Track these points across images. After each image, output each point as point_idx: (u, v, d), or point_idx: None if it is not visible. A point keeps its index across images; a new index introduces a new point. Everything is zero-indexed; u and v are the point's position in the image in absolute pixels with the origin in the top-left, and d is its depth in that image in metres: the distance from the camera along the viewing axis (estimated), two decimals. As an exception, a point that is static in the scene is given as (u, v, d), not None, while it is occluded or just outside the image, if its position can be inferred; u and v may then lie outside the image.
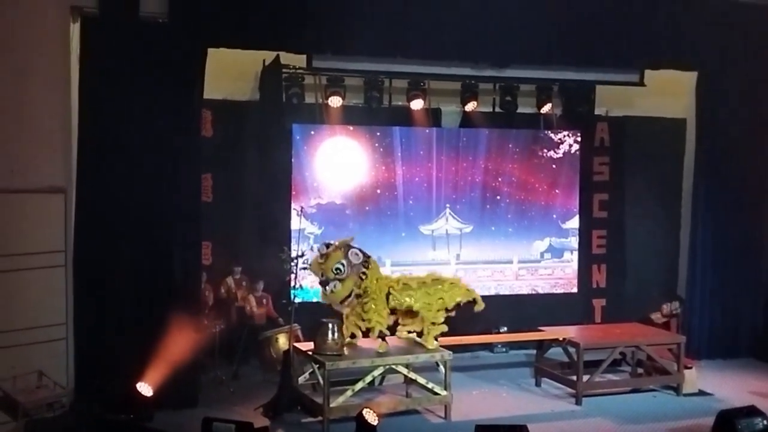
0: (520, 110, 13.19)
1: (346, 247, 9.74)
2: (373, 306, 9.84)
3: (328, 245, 9.85)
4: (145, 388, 9.54)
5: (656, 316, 12.31)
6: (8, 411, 8.95)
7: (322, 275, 9.70)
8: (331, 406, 9.44)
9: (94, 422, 8.94)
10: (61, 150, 9.88)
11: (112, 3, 9.94)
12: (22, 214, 9.46)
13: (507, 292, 13.48)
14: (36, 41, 9.59)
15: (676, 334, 11.96)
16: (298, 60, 11.79)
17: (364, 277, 9.71)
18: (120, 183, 10.00)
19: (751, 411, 8.27)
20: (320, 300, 9.95)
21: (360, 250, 9.80)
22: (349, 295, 9.71)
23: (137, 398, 9.46)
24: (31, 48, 9.55)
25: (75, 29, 10.02)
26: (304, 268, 10.35)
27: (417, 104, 12.67)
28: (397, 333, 10.39)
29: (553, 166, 13.62)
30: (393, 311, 10.07)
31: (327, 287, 9.64)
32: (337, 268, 9.57)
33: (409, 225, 13.04)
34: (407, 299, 10.00)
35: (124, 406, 9.44)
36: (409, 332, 10.37)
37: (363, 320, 9.97)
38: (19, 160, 9.47)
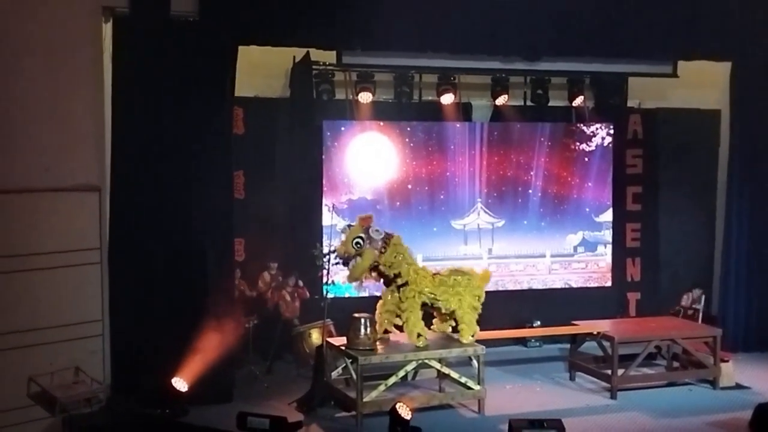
0: (551, 103, 13.13)
1: (366, 223, 9.78)
2: (410, 316, 9.83)
3: (350, 226, 9.91)
4: (180, 384, 9.62)
5: (678, 308, 12.26)
6: (46, 406, 9.05)
7: (345, 254, 9.75)
8: (364, 400, 9.46)
9: (130, 417, 9.04)
10: (95, 148, 9.98)
11: (143, 2, 10.03)
12: (57, 212, 9.56)
13: (540, 287, 13.41)
14: (68, 42, 9.69)
15: (701, 323, 11.92)
16: (328, 56, 11.83)
17: (383, 251, 9.71)
18: (153, 181, 10.09)
19: (790, 404, 8.15)
20: (349, 286, 9.92)
21: (378, 229, 9.83)
22: (373, 268, 9.78)
23: (172, 393, 9.55)
24: (63, 48, 9.65)
25: (107, 29, 10.12)
26: (337, 264, 10.38)
27: (447, 99, 12.64)
28: (432, 327, 10.37)
29: (586, 159, 13.52)
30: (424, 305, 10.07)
31: (349, 264, 9.71)
32: (356, 242, 9.61)
33: (441, 220, 13.02)
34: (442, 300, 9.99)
35: (160, 402, 9.55)
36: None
37: (397, 316, 9.98)
38: (54, 159, 9.57)
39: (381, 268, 9.84)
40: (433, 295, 9.94)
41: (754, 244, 12.89)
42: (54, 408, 8.96)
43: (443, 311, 10.09)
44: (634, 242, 13.81)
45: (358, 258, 9.65)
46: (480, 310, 10.13)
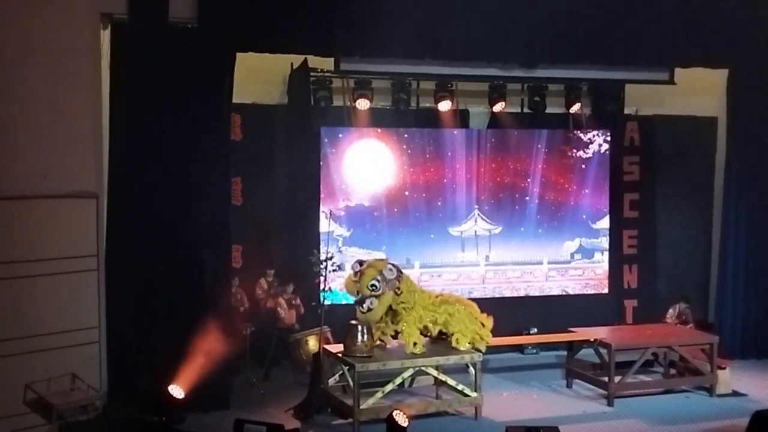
0: (548, 110, 13.15)
1: (380, 265, 9.81)
2: (405, 327, 9.89)
3: (361, 263, 9.94)
4: (177, 391, 9.58)
5: (668, 321, 12.32)
6: (43, 413, 9.01)
7: (357, 293, 9.80)
8: (361, 407, 9.46)
9: (127, 424, 9.01)
10: (92, 155, 9.99)
11: (141, 9, 10.05)
12: (54, 219, 9.56)
13: (537, 293, 13.42)
14: (67, 48, 9.70)
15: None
16: (326, 63, 11.83)
17: (399, 292, 9.78)
18: (150, 187, 10.10)
19: (787, 411, 8.16)
20: (356, 317, 9.93)
21: (393, 266, 9.90)
22: (387, 313, 9.83)
23: (169, 400, 9.51)
24: (62, 55, 9.66)
25: (105, 35, 10.14)
26: (334, 271, 10.39)
27: (445, 106, 12.66)
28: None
29: (583, 166, 13.54)
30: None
31: (363, 305, 9.73)
32: (372, 285, 9.66)
33: (438, 226, 13.02)
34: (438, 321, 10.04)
35: (157, 409, 9.50)
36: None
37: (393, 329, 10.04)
38: (52, 166, 9.57)
39: (394, 306, 9.90)
40: (431, 318, 10.01)
41: (751, 251, 12.91)
42: (51, 415, 8.91)
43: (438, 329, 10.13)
44: (631, 249, 13.82)
45: (374, 300, 9.71)
46: (484, 338, 10.17)
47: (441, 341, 10.30)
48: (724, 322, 12.80)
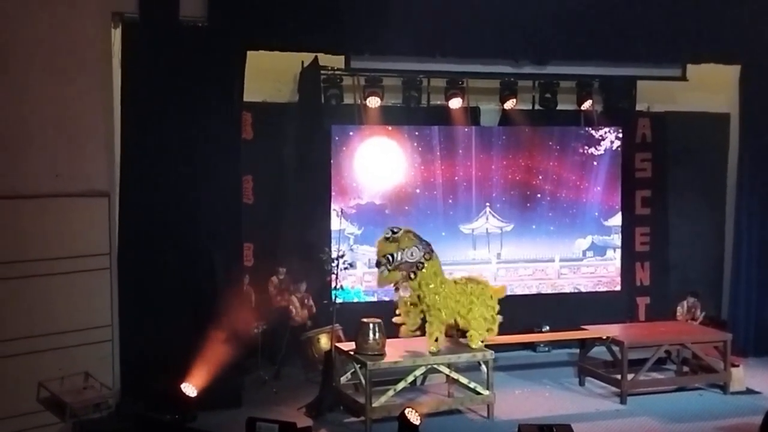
0: (560, 107, 13.14)
1: (408, 244, 9.73)
2: (435, 321, 9.83)
3: (395, 231, 9.81)
4: (189, 389, 9.62)
5: (678, 318, 12.29)
6: (56, 411, 9.06)
7: (377, 257, 9.82)
8: (373, 405, 9.45)
9: (140, 422, 9.03)
10: (104, 154, 10.02)
11: (152, 8, 10.05)
12: (66, 217, 9.59)
13: (549, 291, 13.39)
14: (78, 47, 9.73)
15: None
16: (337, 61, 11.83)
17: (413, 277, 9.71)
18: (162, 186, 10.12)
19: (801, 409, 8.12)
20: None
21: (421, 250, 9.75)
22: (396, 284, 9.79)
23: (182, 399, 9.54)
24: (73, 54, 9.68)
25: (116, 34, 10.15)
26: (345, 269, 10.38)
27: (455, 103, 12.64)
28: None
29: (595, 163, 13.49)
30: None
31: (379, 268, 9.76)
32: (387, 257, 9.63)
33: (449, 224, 13.00)
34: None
35: (169, 407, 9.52)
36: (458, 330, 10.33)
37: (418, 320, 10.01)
38: (63, 165, 9.60)
39: (405, 284, 9.86)
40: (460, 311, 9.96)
41: (764, 247, 12.85)
42: (64, 413, 8.97)
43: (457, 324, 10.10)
44: (643, 246, 13.76)
45: (386, 270, 9.69)
46: (494, 325, 10.10)
47: (452, 338, 10.28)
48: (737, 319, 12.73)
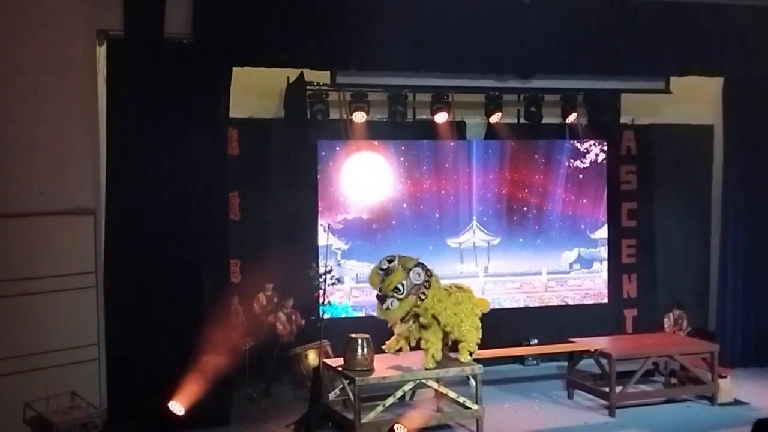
0: (545, 121, 13.15)
1: (409, 265, 9.59)
2: (432, 338, 9.74)
3: (390, 260, 9.67)
4: (177, 407, 9.56)
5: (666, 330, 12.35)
6: (42, 432, 9.02)
7: (380, 290, 9.61)
8: (362, 421, 9.40)
9: (127, 442, 9.00)
10: (89, 172, 10.00)
11: (137, 25, 10.05)
12: (52, 236, 9.56)
13: (537, 304, 13.41)
14: (63, 64, 9.72)
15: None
16: (322, 77, 11.84)
17: (423, 297, 9.58)
18: (148, 203, 10.08)
19: (789, 419, 8.12)
20: (375, 314, 9.84)
21: (422, 269, 9.64)
22: (405, 316, 9.65)
23: (169, 417, 9.49)
24: (58, 71, 9.68)
25: (101, 52, 10.15)
26: (333, 284, 10.35)
27: (441, 117, 12.66)
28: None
29: (580, 176, 13.55)
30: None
31: (384, 303, 9.54)
32: (396, 288, 9.44)
33: (437, 238, 13.00)
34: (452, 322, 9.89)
35: (157, 425, 9.49)
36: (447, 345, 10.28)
37: (416, 340, 9.91)
38: (49, 183, 9.58)
39: (416, 310, 9.68)
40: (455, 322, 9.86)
41: (750, 258, 12.91)
42: (50, 433, 8.91)
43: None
44: (630, 258, 13.80)
45: (395, 301, 9.47)
46: (479, 336, 10.05)
47: (442, 353, 10.27)
48: (724, 330, 12.79)
